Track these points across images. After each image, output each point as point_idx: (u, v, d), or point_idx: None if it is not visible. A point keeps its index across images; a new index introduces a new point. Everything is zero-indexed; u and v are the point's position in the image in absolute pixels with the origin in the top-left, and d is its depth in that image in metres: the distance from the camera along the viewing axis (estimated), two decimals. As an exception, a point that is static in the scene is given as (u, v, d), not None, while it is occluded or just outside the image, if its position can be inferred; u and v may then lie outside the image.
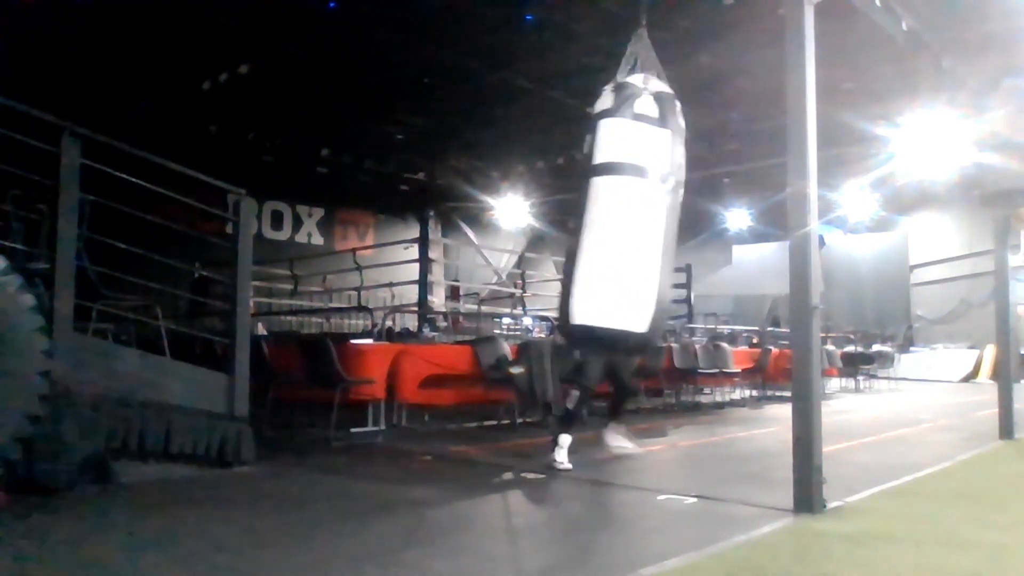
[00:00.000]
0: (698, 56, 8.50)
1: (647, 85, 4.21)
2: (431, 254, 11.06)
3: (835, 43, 5.27)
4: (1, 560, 3.01)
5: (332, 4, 8.53)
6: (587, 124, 4.29)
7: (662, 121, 4.18)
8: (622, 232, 4.04)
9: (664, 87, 4.28)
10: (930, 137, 12.71)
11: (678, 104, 4.37)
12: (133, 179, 4.84)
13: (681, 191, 4.42)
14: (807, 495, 3.92)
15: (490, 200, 17.54)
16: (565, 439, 4.92)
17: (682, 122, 4.38)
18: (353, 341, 7.05)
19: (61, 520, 3.65)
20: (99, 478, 4.34)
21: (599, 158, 4.10)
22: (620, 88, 4.19)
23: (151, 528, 3.60)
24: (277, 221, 17.17)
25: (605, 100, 4.21)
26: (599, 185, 4.08)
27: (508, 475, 4.90)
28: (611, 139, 4.11)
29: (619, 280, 4.03)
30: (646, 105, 4.17)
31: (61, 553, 3.17)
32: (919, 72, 8.99)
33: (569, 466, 4.87)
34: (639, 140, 4.11)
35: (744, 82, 9.96)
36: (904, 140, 13.08)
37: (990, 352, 17.02)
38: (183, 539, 3.42)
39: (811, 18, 4.21)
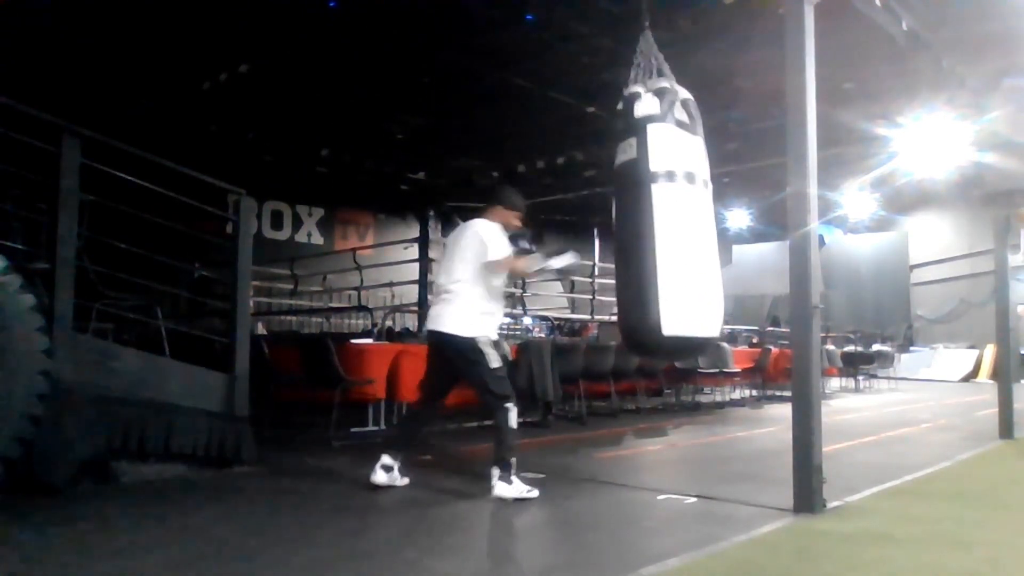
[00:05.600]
0: (698, 56, 8.48)
1: (677, 91, 4.18)
2: (431, 254, 11.05)
3: (835, 43, 5.26)
4: (2, 560, 3.01)
5: (332, 3, 8.53)
6: (625, 127, 4.15)
7: (694, 127, 4.16)
8: (694, 240, 4.01)
9: (684, 91, 4.27)
10: (930, 137, 12.72)
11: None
12: (133, 179, 4.84)
13: None
14: (807, 495, 3.92)
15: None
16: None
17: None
18: (353, 341, 7.05)
19: (61, 520, 3.65)
20: (99, 478, 4.35)
21: (655, 166, 3.97)
22: (661, 92, 4.12)
23: (151, 528, 3.60)
24: (277, 221, 17.15)
25: (650, 104, 4.05)
26: (661, 193, 3.95)
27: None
28: (664, 145, 4.00)
29: (701, 289, 4.01)
30: (681, 112, 4.14)
31: (61, 553, 3.17)
32: (919, 72, 8.99)
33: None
34: (687, 147, 4.09)
35: (744, 82, 9.93)
36: (904, 140, 13.07)
37: (990, 352, 17.04)
38: (183, 539, 3.42)
39: (811, 18, 4.21)
